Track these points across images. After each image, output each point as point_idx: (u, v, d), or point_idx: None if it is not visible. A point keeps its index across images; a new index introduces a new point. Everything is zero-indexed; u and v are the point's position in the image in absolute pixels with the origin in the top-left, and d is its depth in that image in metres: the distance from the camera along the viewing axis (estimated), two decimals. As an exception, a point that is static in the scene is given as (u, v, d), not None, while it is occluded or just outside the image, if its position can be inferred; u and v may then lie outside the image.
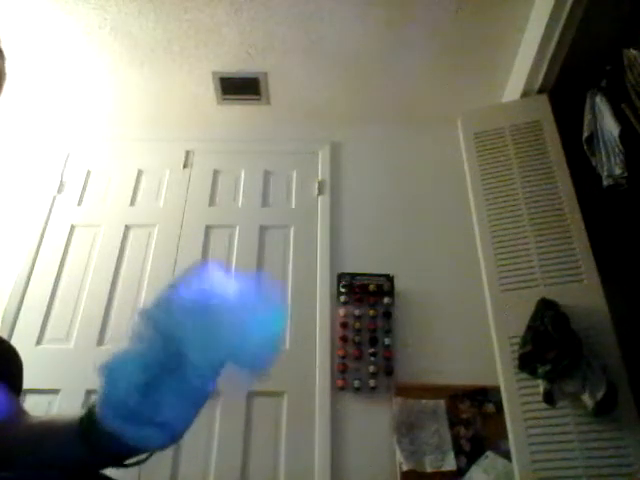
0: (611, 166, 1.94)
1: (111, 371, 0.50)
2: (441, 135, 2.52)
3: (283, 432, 1.93)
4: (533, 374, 1.71)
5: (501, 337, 1.87)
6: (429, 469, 1.81)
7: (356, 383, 1.98)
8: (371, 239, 2.33)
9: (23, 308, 2.20)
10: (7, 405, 0.66)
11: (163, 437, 0.50)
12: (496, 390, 1.85)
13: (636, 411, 1.63)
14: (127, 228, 2.41)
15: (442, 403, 1.93)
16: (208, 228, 2.39)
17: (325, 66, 2.35)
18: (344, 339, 2.08)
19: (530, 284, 1.91)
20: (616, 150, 1.92)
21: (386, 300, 2.13)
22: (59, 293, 2.25)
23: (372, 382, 1.98)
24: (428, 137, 2.58)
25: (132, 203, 2.49)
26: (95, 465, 0.61)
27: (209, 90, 2.47)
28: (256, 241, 2.35)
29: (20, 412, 0.67)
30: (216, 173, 2.56)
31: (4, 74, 0.79)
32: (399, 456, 1.83)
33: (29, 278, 2.27)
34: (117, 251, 2.34)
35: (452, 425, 1.89)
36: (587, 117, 2.07)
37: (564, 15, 1.90)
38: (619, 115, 1.93)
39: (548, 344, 1.68)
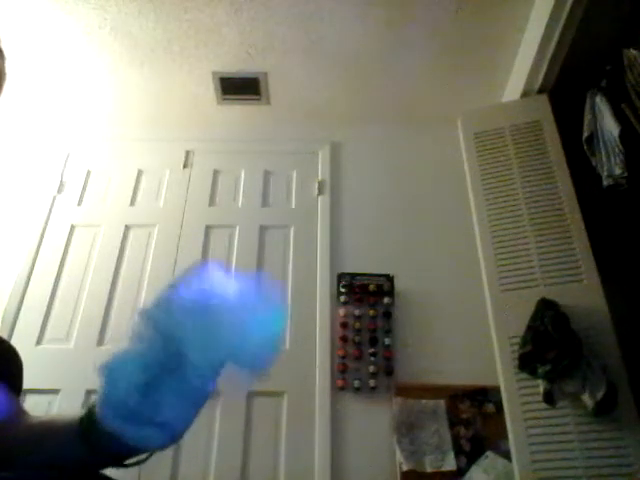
0: (611, 166, 1.94)
1: (111, 371, 0.50)
2: (441, 135, 2.52)
3: (283, 432, 1.93)
4: (533, 374, 1.71)
5: (501, 337, 1.87)
6: (429, 469, 1.81)
7: (356, 383, 1.98)
8: (371, 239, 2.33)
9: (23, 308, 2.20)
10: (7, 405, 0.66)
11: (163, 437, 0.50)
12: (496, 390, 1.85)
13: (636, 411, 1.63)
14: (127, 228, 2.41)
15: (442, 403, 1.93)
16: (208, 228, 2.39)
17: (325, 66, 2.35)
18: (344, 339, 2.08)
19: (530, 284, 1.91)
20: (616, 150, 1.92)
21: (386, 300, 2.13)
22: (59, 293, 2.25)
23: (372, 382, 1.98)
24: (428, 137, 2.58)
25: (132, 203, 2.49)
26: (95, 465, 0.61)
27: (209, 90, 2.47)
28: (256, 241, 2.35)
29: (20, 412, 0.67)
30: (216, 173, 2.56)
31: (4, 74, 0.79)
32: (399, 456, 1.83)
33: (29, 278, 2.27)
34: (117, 251, 2.34)
35: (452, 425, 1.89)
36: (587, 117, 2.07)
37: (564, 15, 1.90)
38: (619, 115, 1.93)
39: (548, 344, 1.68)
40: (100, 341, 2.14)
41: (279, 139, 2.65)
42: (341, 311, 2.13)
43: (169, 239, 2.36)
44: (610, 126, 1.95)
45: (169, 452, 1.82)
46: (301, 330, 2.12)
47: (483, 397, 1.93)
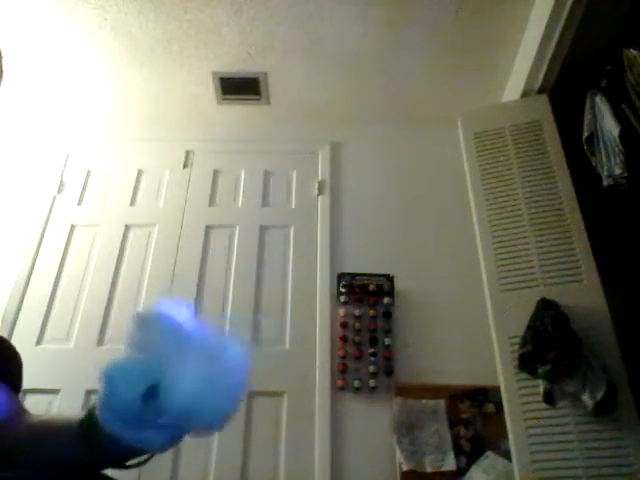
0: (611, 166, 1.94)
1: (111, 377, 0.50)
2: (441, 135, 2.52)
3: (283, 432, 1.93)
4: (533, 374, 1.71)
5: (501, 337, 1.87)
6: (429, 469, 1.81)
7: (356, 383, 1.98)
8: (371, 239, 2.33)
9: (23, 308, 2.20)
10: (7, 404, 0.66)
11: (163, 441, 0.51)
12: (496, 390, 1.85)
13: (636, 411, 1.63)
14: (127, 228, 2.41)
15: (442, 403, 1.93)
16: (208, 228, 2.39)
17: (325, 66, 2.35)
18: (344, 339, 2.08)
19: (530, 284, 1.91)
20: (616, 150, 1.92)
21: (386, 300, 2.13)
22: (59, 293, 2.25)
23: (372, 382, 1.98)
24: (428, 137, 2.58)
25: (132, 203, 2.49)
26: (95, 466, 0.61)
27: (209, 90, 2.47)
28: (256, 241, 2.35)
29: (20, 411, 0.67)
30: (216, 173, 2.56)
31: (2, 72, 0.79)
32: (399, 456, 1.83)
33: (29, 278, 2.27)
34: (117, 251, 2.34)
35: (452, 425, 1.89)
36: (587, 117, 2.07)
37: (564, 15, 1.90)
38: (619, 115, 1.93)
39: (548, 344, 1.68)
40: (100, 341, 2.13)
41: (279, 139, 2.65)
42: (341, 311, 2.13)
43: (169, 239, 2.36)
44: (610, 126, 1.95)
45: (169, 452, 1.82)
46: (301, 330, 2.12)
47: (483, 397, 1.93)
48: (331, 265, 2.25)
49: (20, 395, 0.75)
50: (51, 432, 0.61)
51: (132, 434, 0.49)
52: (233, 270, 2.27)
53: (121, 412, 0.49)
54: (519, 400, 1.75)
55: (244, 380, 0.52)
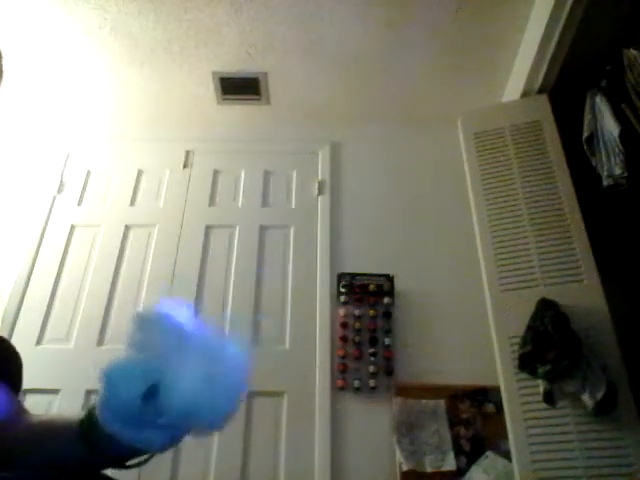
0: (611, 166, 1.94)
1: (111, 377, 0.50)
2: (441, 135, 2.52)
3: (283, 432, 1.93)
4: (533, 374, 1.71)
5: (501, 337, 1.87)
6: (429, 469, 1.81)
7: (356, 383, 1.98)
8: (371, 239, 2.33)
9: (23, 308, 2.20)
10: (7, 404, 0.66)
11: (163, 441, 0.51)
12: (496, 390, 1.85)
13: (636, 411, 1.63)
14: (127, 228, 2.41)
15: (442, 403, 1.93)
16: (208, 228, 2.39)
17: (325, 66, 2.35)
18: (344, 339, 2.08)
19: (530, 284, 1.91)
20: (616, 150, 1.92)
21: (386, 300, 2.13)
22: (59, 293, 2.25)
23: (372, 382, 1.97)
24: (428, 137, 2.58)
25: (132, 203, 2.49)
26: (95, 465, 0.61)
27: (209, 90, 2.47)
28: (256, 241, 2.35)
29: (20, 411, 0.67)
30: (216, 173, 2.56)
31: (2, 72, 0.79)
32: (399, 456, 1.83)
33: (29, 278, 2.27)
34: (117, 251, 2.34)
35: (452, 425, 1.89)
36: (587, 117, 2.07)
37: (564, 15, 1.90)
38: (619, 115, 1.93)
39: (548, 344, 1.68)
40: (100, 341, 2.13)
41: (279, 139, 2.65)
42: (341, 311, 2.13)
43: (169, 239, 2.36)
44: (610, 126, 1.95)
45: (169, 452, 1.82)
46: (301, 330, 2.12)
47: (483, 397, 1.93)
48: (331, 265, 2.25)
49: (20, 395, 0.75)
50: (51, 432, 0.61)
51: (132, 434, 0.49)
52: (233, 270, 2.27)
53: (121, 412, 0.49)
54: (519, 400, 1.75)
55: (244, 380, 0.53)
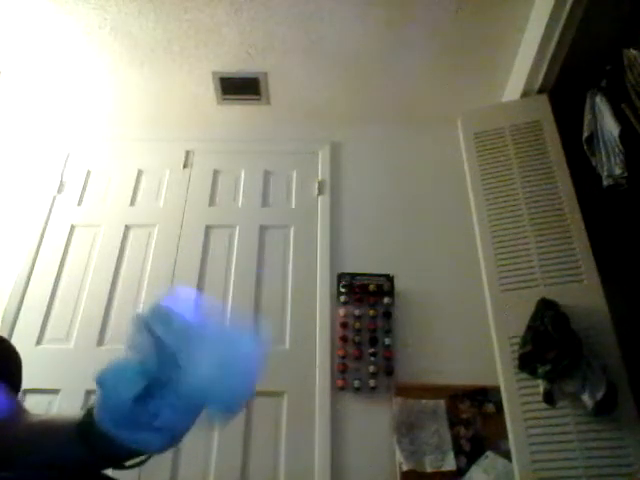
0: (611, 166, 1.94)
1: (108, 379, 0.50)
2: (441, 135, 2.52)
3: (283, 432, 1.93)
4: (533, 374, 1.71)
5: (501, 337, 1.87)
6: (429, 469, 1.81)
7: (356, 383, 1.98)
8: (371, 239, 2.33)
9: (23, 308, 2.20)
10: (7, 404, 0.66)
11: (161, 441, 0.51)
12: (496, 390, 1.85)
13: (636, 411, 1.63)
14: (127, 228, 2.41)
15: (442, 403, 1.93)
16: (208, 228, 2.39)
17: (325, 66, 2.35)
18: (344, 339, 2.08)
19: (530, 284, 1.91)
20: (616, 150, 1.92)
21: (386, 300, 2.13)
22: (59, 293, 2.25)
23: (372, 382, 1.97)
24: (428, 137, 2.58)
25: (132, 203, 2.49)
26: (95, 466, 0.61)
27: (209, 90, 2.47)
28: (256, 241, 2.35)
29: (20, 411, 0.67)
30: (216, 173, 2.56)
31: None
32: (399, 456, 1.83)
33: (29, 278, 2.27)
34: (117, 251, 2.34)
35: (452, 425, 1.89)
36: (587, 117, 2.07)
37: (564, 15, 1.90)
38: (619, 115, 1.93)
39: (548, 344, 1.68)
40: (100, 341, 2.14)
41: (279, 139, 2.65)
42: (341, 311, 2.13)
43: (169, 239, 2.36)
44: (610, 126, 1.95)
45: (169, 452, 1.81)
46: (301, 330, 2.12)
47: (483, 397, 1.93)
48: (331, 265, 2.25)
49: (20, 395, 0.75)
50: (51, 432, 0.61)
51: (128, 435, 0.49)
52: (233, 270, 2.27)
53: (115, 414, 0.49)
54: (519, 400, 1.75)
55: (257, 365, 0.53)
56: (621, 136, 1.89)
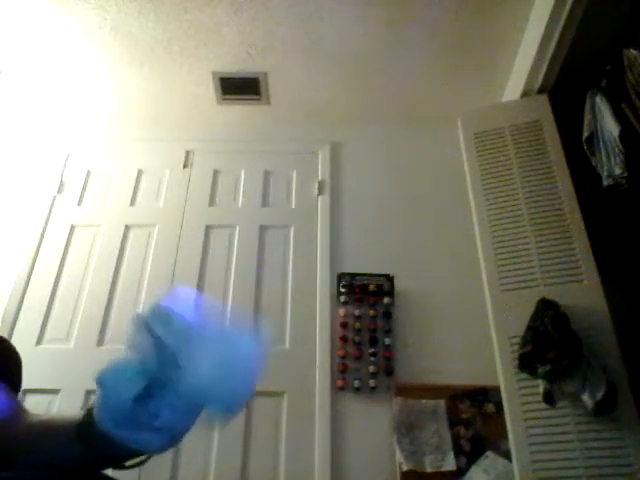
0: (611, 166, 1.94)
1: (108, 378, 0.50)
2: (441, 135, 2.52)
3: (283, 432, 1.93)
4: (533, 374, 1.71)
5: (501, 337, 1.87)
6: (429, 469, 1.81)
7: (356, 383, 1.98)
8: (371, 239, 2.33)
9: (23, 308, 2.20)
10: (7, 404, 0.66)
11: (161, 441, 0.51)
12: (496, 390, 1.85)
13: (636, 411, 1.63)
14: (127, 228, 2.41)
15: (442, 403, 1.93)
16: (208, 228, 2.39)
17: (325, 66, 2.35)
18: (344, 339, 2.08)
19: (530, 284, 1.91)
20: (616, 150, 1.92)
21: (386, 300, 2.13)
22: (59, 293, 2.25)
23: (372, 382, 1.97)
24: (428, 137, 2.58)
25: (132, 203, 2.49)
26: (95, 466, 0.61)
27: (209, 90, 2.47)
28: (256, 241, 2.35)
29: (20, 411, 0.67)
30: (216, 173, 2.56)
31: None
32: (399, 456, 1.83)
33: (29, 278, 2.27)
34: (117, 251, 2.34)
35: (452, 425, 1.89)
36: (587, 117, 2.07)
37: (564, 15, 1.90)
38: (619, 115, 1.93)
39: (548, 344, 1.68)
40: (100, 341, 2.14)
41: (279, 139, 2.65)
42: (341, 311, 2.13)
43: (169, 239, 2.36)
44: (610, 126, 1.95)
45: (169, 452, 1.81)
46: (301, 330, 2.12)
47: (483, 397, 1.93)
48: (331, 265, 2.25)
49: (20, 395, 0.75)
50: (51, 432, 0.61)
51: (128, 435, 0.49)
52: (233, 270, 2.27)
53: (115, 414, 0.49)
54: (519, 400, 1.75)
55: (257, 364, 0.53)
56: (621, 136, 1.89)
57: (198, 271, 2.26)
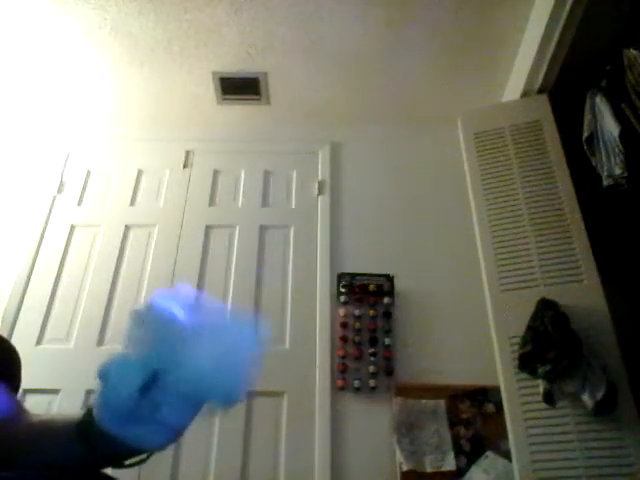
0: (611, 166, 1.94)
1: (107, 374, 0.50)
2: (441, 135, 2.52)
3: (283, 432, 1.93)
4: (533, 374, 1.71)
5: (501, 337, 1.87)
6: (429, 469, 1.81)
7: (356, 383, 1.98)
8: (371, 239, 2.33)
9: (23, 308, 2.20)
10: (7, 404, 0.66)
11: (161, 438, 0.51)
12: (496, 390, 1.85)
13: (636, 411, 1.63)
14: (127, 228, 2.41)
15: (442, 403, 1.93)
16: (208, 228, 2.39)
17: (325, 66, 2.35)
18: (344, 339, 2.08)
19: (530, 284, 1.91)
20: (616, 150, 1.92)
21: (386, 300, 2.13)
22: (59, 293, 2.25)
23: (372, 382, 1.97)
24: (428, 137, 2.58)
25: (132, 203, 2.49)
26: (95, 465, 0.61)
27: (209, 90, 2.47)
28: (256, 241, 2.35)
29: (20, 411, 0.67)
30: (216, 173, 2.56)
31: None
32: (399, 456, 1.83)
33: (29, 278, 2.27)
34: (117, 251, 2.34)
35: (452, 425, 1.89)
36: (587, 117, 2.07)
37: (564, 15, 1.90)
38: (619, 115, 1.93)
39: (548, 344, 1.68)
40: (100, 341, 2.14)
41: (279, 139, 2.65)
42: (341, 311, 2.13)
43: (169, 239, 2.36)
44: (610, 126, 1.95)
45: (169, 452, 1.82)
46: (301, 330, 2.12)
47: (483, 397, 1.93)
48: (331, 265, 2.25)
49: (20, 395, 0.75)
50: (51, 432, 0.61)
51: (128, 431, 0.49)
52: (233, 270, 2.27)
53: (118, 409, 0.49)
54: (519, 400, 1.75)
55: (254, 355, 0.53)
56: (621, 136, 1.89)
57: (198, 271, 2.26)
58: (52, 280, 2.27)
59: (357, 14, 2.10)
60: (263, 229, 2.38)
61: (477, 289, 2.03)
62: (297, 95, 2.53)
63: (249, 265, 2.28)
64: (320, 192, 2.46)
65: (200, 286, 2.23)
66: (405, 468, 1.80)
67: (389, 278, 2.18)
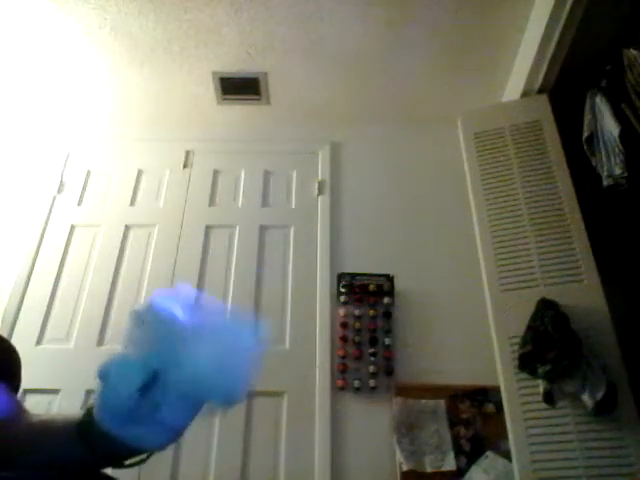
0: (611, 166, 1.94)
1: (107, 375, 0.50)
2: (441, 135, 2.52)
3: (283, 432, 1.93)
4: (533, 374, 1.71)
5: (501, 337, 1.87)
6: (429, 469, 1.81)
7: (356, 383, 1.98)
8: (371, 239, 2.33)
9: (23, 308, 2.20)
10: (7, 404, 0.66)
11: (161, 438, 0.51)
12: (496, 390, 1.85)
13: (636, 411, 1.63)
14: (127, 228, 2.41)
15: (442, 403, 1.93)
16: (208, 228, 2.39)
17: (325, 66, 2.35)
18: (344, 339, 2.08)
19: (530, 284, 1.91)
20: (616, 150, 1.92)
21: (386, 300, 2.13)
22: (59, 293, 2.25)
23: (372, 382, 1.97)
24: (428, 137, 2.58)
25: (132, 203, 2.49)
26: (95, 465, 0.61)
27: (209, 90, 2.47)
28: (256, 241, 2.35)
29: (20, 411, 0.67)
30: (216, 173, 2.56)
31: None
32: (399, 456, 1.83)
33: (29, 278, 2.27)
34: (117, 251, 2.34)
35: (452, 425, 1.89)
36: (587, 117, 2.07)
37: (564, 15, 1.90)
38: (619, 115, 1.93)
39: (548, 344, 1.68)
40: (100, 341, 2.14)
41: (279, 139, 2.65)
42: (341, 311, 2.13)
43: (169, 239, 2.36)
44: (610, 126, 1.95)
45: (169, 452, 1.82)
46: (301, 330, 2.12)
47: (483, 397, 1.93)
48: (331, 265, 2.25)
49: (20, 395, 0.75)
50: (51, 432, 0.61)
51: (129, 431, 0.49)
52: (233, 270, 2.27)
53: (118, 409, 0.49)
54: (519, 400, 1.75)
55: (254, 354, 0.53)
56: (621, 136, 1.89)
57: (198, 271, 2.26)
58: (52, 280, 2.27)
59: (357, 14, 2.10)
60: (263, 229, 2.38)
61: (477, 289, 2.03)
62: (297, 95, 2.53)
63: (249, 265, 2.28)
64: (320, 192, 2.46)
65: (200, 286, 2.23)
66: (405, 468, 1.80)
67: (389, 278, 2.18)
